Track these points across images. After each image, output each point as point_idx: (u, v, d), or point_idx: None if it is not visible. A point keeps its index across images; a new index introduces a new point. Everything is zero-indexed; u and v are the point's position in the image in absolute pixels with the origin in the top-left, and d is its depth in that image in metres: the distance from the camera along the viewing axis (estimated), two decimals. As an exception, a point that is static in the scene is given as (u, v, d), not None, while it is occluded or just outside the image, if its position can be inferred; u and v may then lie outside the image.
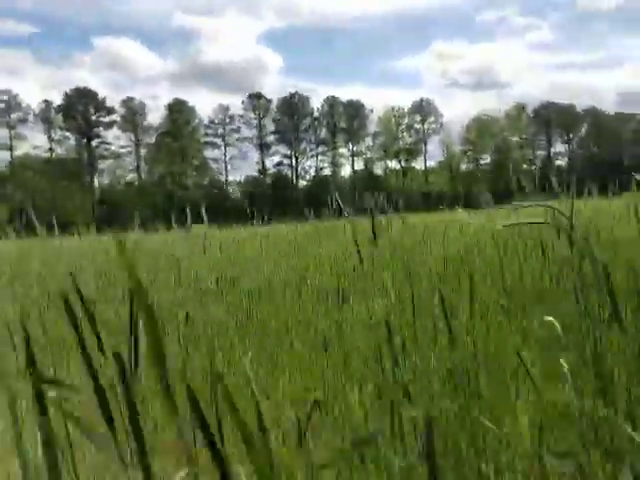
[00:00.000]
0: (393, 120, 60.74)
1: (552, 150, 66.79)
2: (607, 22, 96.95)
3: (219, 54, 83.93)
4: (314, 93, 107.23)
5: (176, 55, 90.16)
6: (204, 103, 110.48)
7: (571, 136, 66.93)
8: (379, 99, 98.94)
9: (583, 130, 67.45)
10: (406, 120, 61.49)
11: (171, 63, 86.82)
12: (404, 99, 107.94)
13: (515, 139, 64.41)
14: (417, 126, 61.04)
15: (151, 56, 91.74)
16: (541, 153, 68.46)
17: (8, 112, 52.16)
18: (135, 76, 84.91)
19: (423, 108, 60.94)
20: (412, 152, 61.00)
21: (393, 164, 61.41)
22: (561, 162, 68.05)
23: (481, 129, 61.44)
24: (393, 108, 60.83)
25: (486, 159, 64.68)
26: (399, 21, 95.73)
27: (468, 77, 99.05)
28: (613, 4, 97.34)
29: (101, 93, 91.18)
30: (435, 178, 60.45)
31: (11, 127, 53.03)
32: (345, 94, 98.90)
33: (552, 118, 65.07)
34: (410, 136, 61.60)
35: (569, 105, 66.37)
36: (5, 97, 52.56)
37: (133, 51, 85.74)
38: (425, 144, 60.71)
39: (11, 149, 52.96)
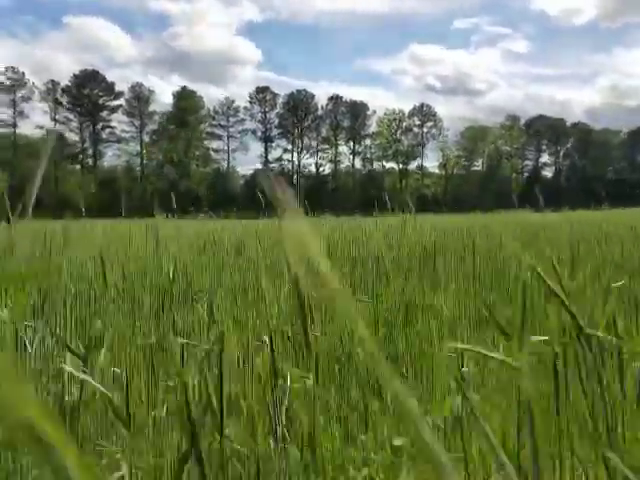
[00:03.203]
0: (393, 123, 62.44)
1: (540, 161, 69.67)
2: (578, 38, 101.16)
3: (195, 42, 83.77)
4: (288, 88, 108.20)
5: (151, 39, 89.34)
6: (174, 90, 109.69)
7: (558, 148, 69.90)
8: (353, 98, 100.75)
9: (569, 143, 70.49)
10: (405, 123, 63.28)
11: (145, 47, 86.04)
12: (380, 100, 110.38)
13: (507, 148, 66.97)
14: (416, 130, 62.90)
15: (125, 38, 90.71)
16: (528, 163, 71.29)
17: (13, 90, 51.66)
18: (108, 58, 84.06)
19: (422, 112, 62.82)
20: (410, 155, 62.79)
21: (391, 165, 63.18)
22: (547, 172, 71.07)
23: (476, 136, 63.68)
24: (394, 110, 62.57)
25: (478, 165, 67.14)
26: (376, 22, 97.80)
27: (442, 83, 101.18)
28: (585, 20, 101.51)
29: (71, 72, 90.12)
30: (430, 181, 62.38)
31: (14, 105, 52.52)
32: (319, 91, 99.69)
33: (542, 130, 67.87)
34: (408, 139, 63.42)
35: (558, 119, 69.38)
36: (10, 74, 52.03)
37: (107, 32, 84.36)
38: (423, 147, 62.65)
39: (14, 127, 52.49)
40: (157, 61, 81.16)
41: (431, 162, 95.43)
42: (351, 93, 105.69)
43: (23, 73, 52.43)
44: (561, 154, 70.17)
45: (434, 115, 63.14)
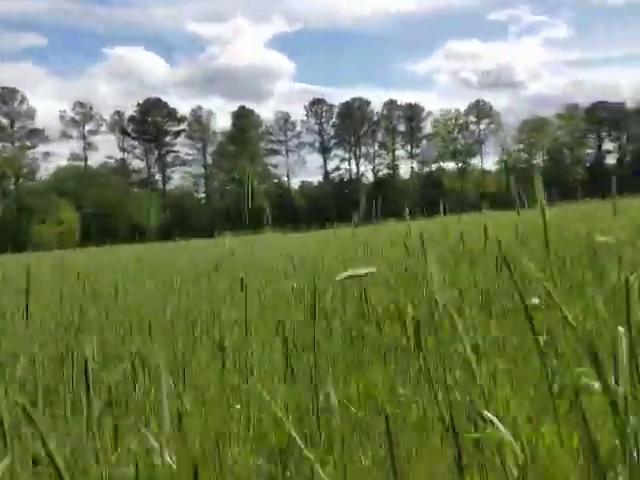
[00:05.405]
0: (449, 122, 62.02)
1: (603, 148, 67.58)
2: (619, 18, 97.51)
3: (230, 60, 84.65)
4: (328, 97, 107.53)
5: (186, 62, 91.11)
6: (217, 109, 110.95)
7: (619, 134, 67.68)
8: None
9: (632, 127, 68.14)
10: (460, 121, 62.68)
11: (182, 70, 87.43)
12: (417, 100, 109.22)
13: (567, 139, 65.38)
14: (473, 127, 62.23)
15: (162, 64, 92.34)
16: (589, 152, 69.24)
17: (83, 124, 53.96)
18: (147, 84, 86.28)
19: (479, 108, 62.12)
20: (468, 153, 62.10)
21: (450, 165, 62.65)
22: (611, 160, 68.85)
23: (535, 129, 62.46)
24: (449, 110, 62.17)
25: (538, 160, 65.70)
26: (408, 23, 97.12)
27: (480, 77, 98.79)
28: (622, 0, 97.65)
29: (113, 102, 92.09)
30: (492, 179, 61.44)
31: (84, 137, 54.80)
32: (356, 96, 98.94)
33: (603, 117, 65.93)
34: (465, 137, 62.76)
35: (618, 103, 67.28)
36: (79, 109, 54.36)
37: (144, 59, 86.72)
38: (481, 145, 61.85)
39: (85, 160, 54.72)
40: (195, 83, 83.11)
41: (492, 159, 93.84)
42: (387, 96, 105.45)
43: (91, 107, 54.75)
44: (623, 139, 67.94)
45: (490, 110, 62.35)
